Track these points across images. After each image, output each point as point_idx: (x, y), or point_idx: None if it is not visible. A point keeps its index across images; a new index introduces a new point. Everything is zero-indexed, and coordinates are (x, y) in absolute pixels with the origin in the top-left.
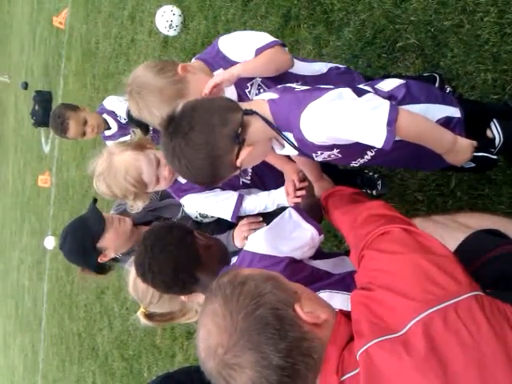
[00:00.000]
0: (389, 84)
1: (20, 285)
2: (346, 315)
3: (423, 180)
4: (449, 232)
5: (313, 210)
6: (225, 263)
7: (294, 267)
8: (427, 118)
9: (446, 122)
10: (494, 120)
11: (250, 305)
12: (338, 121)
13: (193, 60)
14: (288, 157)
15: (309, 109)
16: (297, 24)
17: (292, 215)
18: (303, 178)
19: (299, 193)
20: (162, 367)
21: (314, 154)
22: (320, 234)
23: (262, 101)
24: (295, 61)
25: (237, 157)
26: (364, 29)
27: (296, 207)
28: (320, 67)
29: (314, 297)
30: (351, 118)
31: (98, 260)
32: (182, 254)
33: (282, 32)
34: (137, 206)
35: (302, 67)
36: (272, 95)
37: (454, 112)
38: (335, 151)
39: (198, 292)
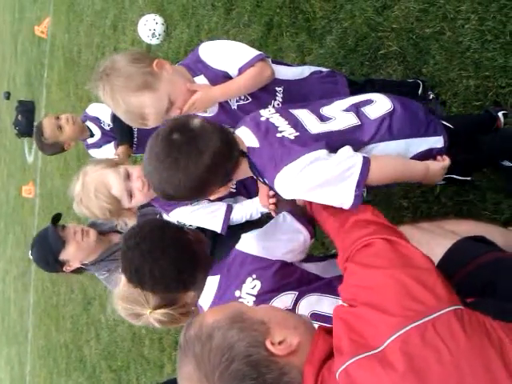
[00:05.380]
0: (376, 111)
1: (6, 296)
2: (328, 331)
3: (408, 187)
4: (436, 239)
5: (306, 215)
6: (213, 257)
7: (284, 271)
8: (397, 157)
9: (427, 153)
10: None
11: (222, 362)
12: (308, 189)
13: (176, 65)
14: None
15: (283, 173)
16: (279, 32)
17: (286, 218)
18: None
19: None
20: (151, 378)
21: None
22: (311, 238)
23: (242, 141)
24: (277, 67)
25: (218, 188)
26: (346, 37)
27: (291, 210)
28: (302, 70)
29: (283, 318)
30: (321, 186)
31: (64, 270)
32: (182, 255)
33: (265, 40)
34: (125, 223)
35: (283, 72)
36: (252, 140)
37: (437, 142)
38: None
39: (191, 290)
